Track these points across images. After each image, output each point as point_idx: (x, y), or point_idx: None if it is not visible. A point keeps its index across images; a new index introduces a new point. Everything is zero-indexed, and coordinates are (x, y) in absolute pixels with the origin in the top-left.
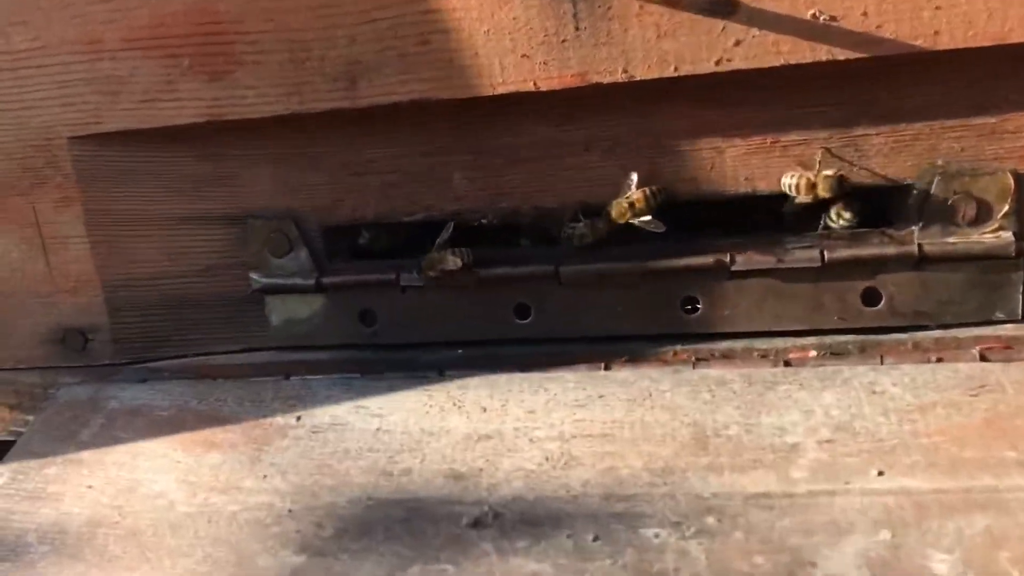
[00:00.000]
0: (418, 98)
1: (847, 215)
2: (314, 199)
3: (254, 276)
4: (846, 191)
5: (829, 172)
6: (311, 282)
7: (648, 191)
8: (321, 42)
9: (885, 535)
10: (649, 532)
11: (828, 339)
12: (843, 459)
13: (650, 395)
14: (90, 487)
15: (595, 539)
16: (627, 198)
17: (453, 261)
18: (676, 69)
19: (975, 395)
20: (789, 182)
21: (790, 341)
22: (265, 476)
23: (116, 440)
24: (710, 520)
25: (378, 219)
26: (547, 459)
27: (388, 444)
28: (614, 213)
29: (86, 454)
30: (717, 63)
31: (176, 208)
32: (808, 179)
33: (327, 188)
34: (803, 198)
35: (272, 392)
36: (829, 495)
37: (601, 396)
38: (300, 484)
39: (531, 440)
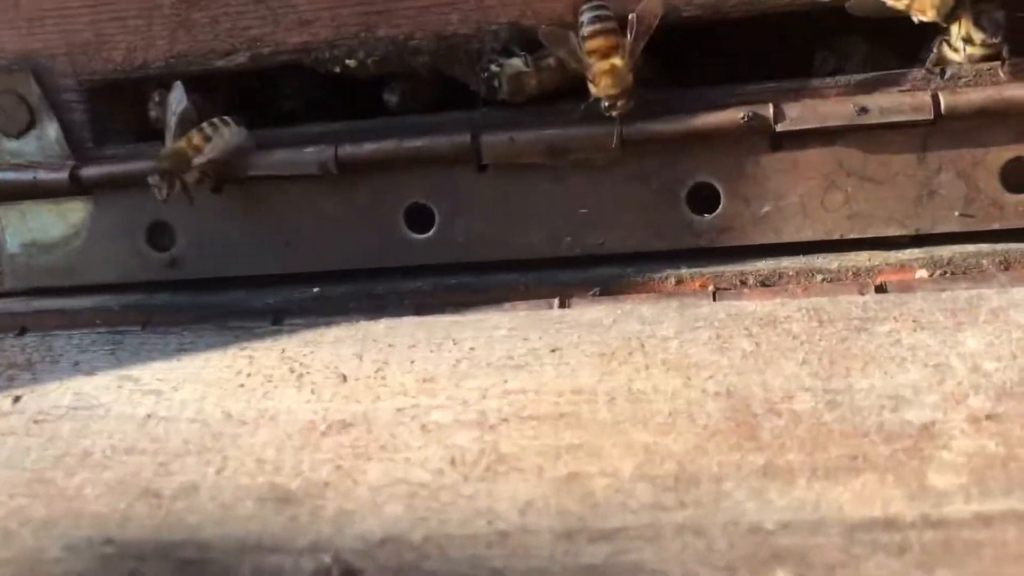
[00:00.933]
0: None
1: (978, 37)
2: (67, 34)
3: None
4: None
5: None
6: (64, 176)
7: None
8: None
9: None
10: None
11: (946, 250)
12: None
13: (642, 345)
14: None
15: None
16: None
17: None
18: None
19: None
20: None
21: (881, 255)
22: None
23: None
24: None
25: (169, 67)
26: (453, 462)
27: (163, 441)
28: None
29: None
30: None
31: None
32: None
33: (87, 14)
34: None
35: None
36: (1012, 519)
37: (554, 350)
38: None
39: (424, 428)
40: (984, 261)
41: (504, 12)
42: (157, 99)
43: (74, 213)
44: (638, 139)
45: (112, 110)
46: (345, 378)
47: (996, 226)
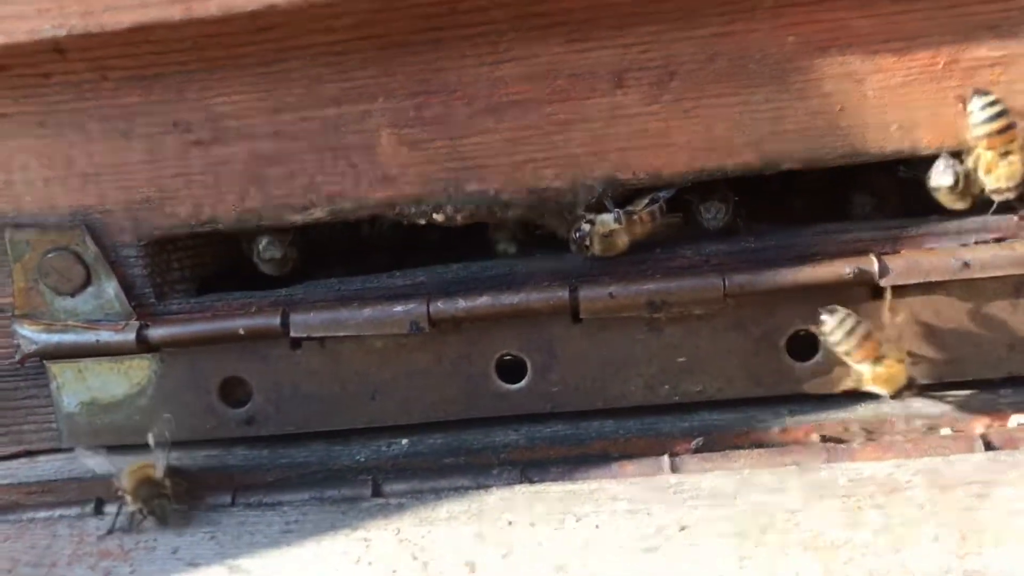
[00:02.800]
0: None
1: None
2: (125, 191)
3: (24, 330)
4: None
5: None
6: (130, 336)
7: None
8: None
9: None
10: None
11: None
12: None
13: (772, 521)
14: None
15: None
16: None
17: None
18: None
19: None
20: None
21: (978, 399)
22: None
23: None
24: None
25: (240, 221)
26: None
27: None
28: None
29: None
30: None
31: None
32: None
33: (147, 169)
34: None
35: (72, 543)
36: None
37: (683, 528)
38: None
39: None
40: None
41: (599, 166)
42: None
43: (138, 371)
44: (738, 292)
45: (173, 261)
46: (474, 567)
47: None
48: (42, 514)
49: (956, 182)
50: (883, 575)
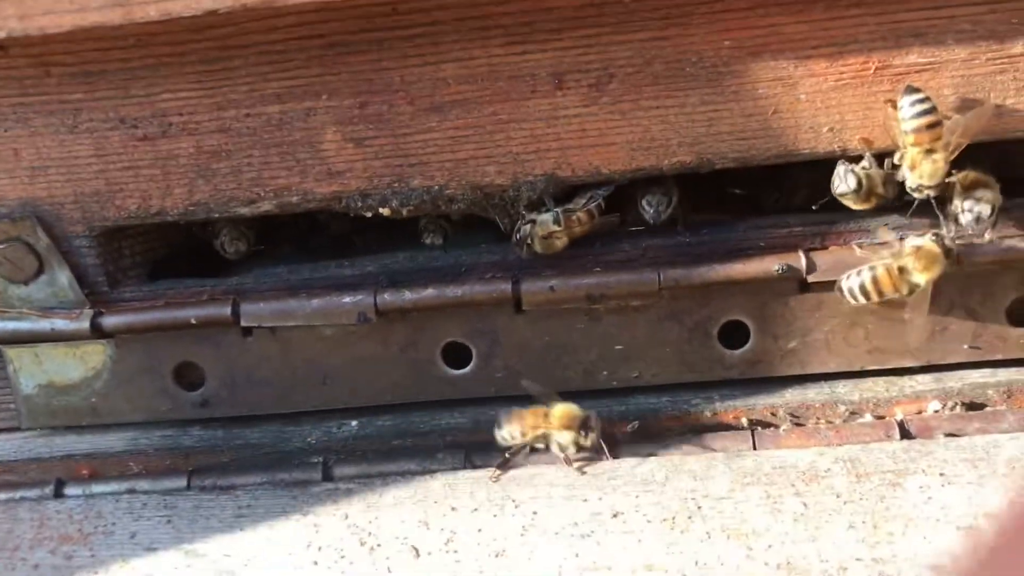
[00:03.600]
0: (247, 4)
1: (981, 207)
2: (75, 183)
3: None
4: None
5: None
6: (83, 324)
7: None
8: None
9: None
10: None
11: (954, 379)
12: None
13: (699, 507)
14: None
15: None
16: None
17: None
18: None
19: None
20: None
21: (893, 386)
22: None
23: None
24: None
25: (188, 214)
26: None
27: None
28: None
29: None
30: None
31: None
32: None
33: (96, 163)
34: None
35: (33, 526)
36: None
37: (616, 514)
38: None
39: None
40: (989, 391)
41: (540, 164)
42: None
43: (94, 356)
44: (673, 286)
45: (124, 249)
46: (418, 552)
47: (1006, 356)
48: (2, 496)
49: (859, 185)
50: (799, 562)
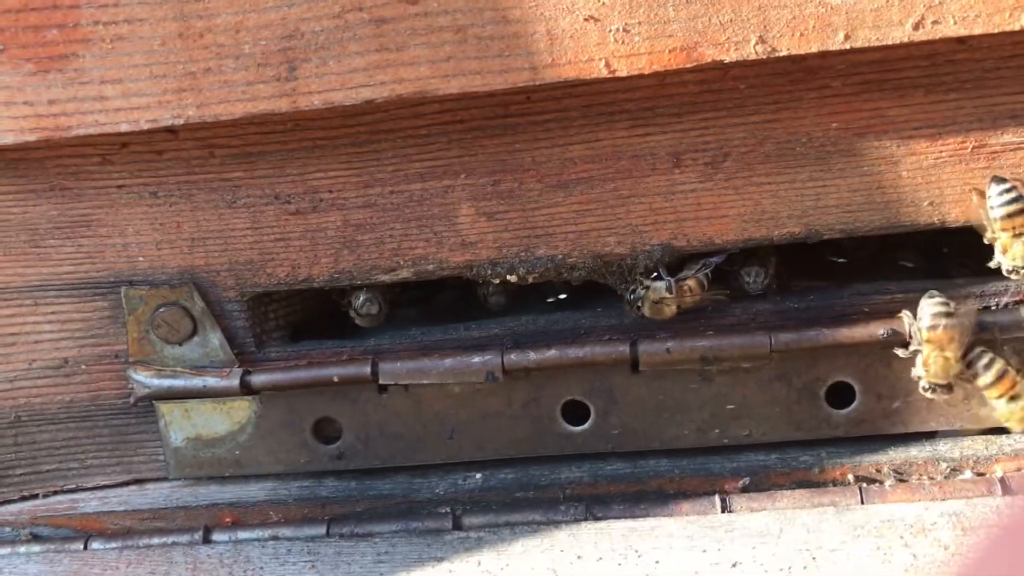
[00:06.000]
0: (406, 94)
1: None
2: (230, 253)
3: (137, 375)
4: None
5: None
6: (234, 382)
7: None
8: (235, 1)
9: None
10: None
11: None
12: None
13: (813, 558)
14: None
15: None
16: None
17: None
18: (848, 37)
19: None
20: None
21: (996, 444)
22: None
23: None
24: None
25: (333, 281)
26: None
27: None
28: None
29: None
30: (917, 26)
31: (5, 273)
32: None
33: (250, 235)
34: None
35: (188, 569)
36: None
37: (735, 564)
38: None
39: None
40: None
41: (656, 235)
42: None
43: (239, 411)
44: (784, 349)
45: (270, 312)
46: None
47: None
48: (156, 540)
49: None
50: None
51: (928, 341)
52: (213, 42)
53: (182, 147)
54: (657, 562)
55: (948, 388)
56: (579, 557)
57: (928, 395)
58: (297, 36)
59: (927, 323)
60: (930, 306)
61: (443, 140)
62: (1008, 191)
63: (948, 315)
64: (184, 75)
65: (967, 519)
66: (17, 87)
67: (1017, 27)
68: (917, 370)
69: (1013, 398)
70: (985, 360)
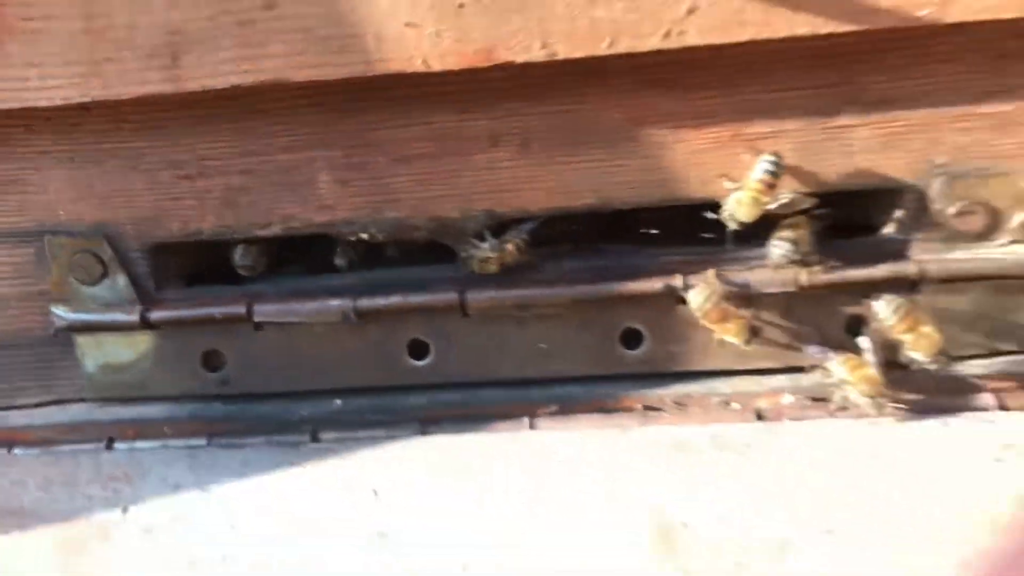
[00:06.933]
0: (265, 80)
1: (785, 244)
2: (133, 209)
3: (58, 310)
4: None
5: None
6: (134, 317)
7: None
8: (129, 5)
9: None
10: None
11: (806, 379)
12: (855, 553)
13: (595, 467)
14: None
15: None
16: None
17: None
18: (611, 44)
19: (1000, 460)
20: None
21: (758, 382)
22: None
23: None
24: None
25: (218, 234)
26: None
27: (249, 550)
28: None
29: None
30: (666, 36)
31: None
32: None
33: (149, 195)
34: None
35: (90, 469)
36: None
37: (534, 472)
38: None
39: (435, 547)
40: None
41: (482, 204)
42: (240, 252)
43: (141, 343)
44: (585, 297)
45: (168, 262)
46: (376, 493)
47: None
48: (68, 448)
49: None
50: (664, 504)
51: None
52: (113, 37)
53: (94, 121)
54: (473, 469)
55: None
56: (412, 462)
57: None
58: (180, 33)
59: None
60: None
61: (304, 119)
62: (773, 163)
63: None
64: (91, 62)
65: (722, 438)
66: None
67: (745, 38)
68: None
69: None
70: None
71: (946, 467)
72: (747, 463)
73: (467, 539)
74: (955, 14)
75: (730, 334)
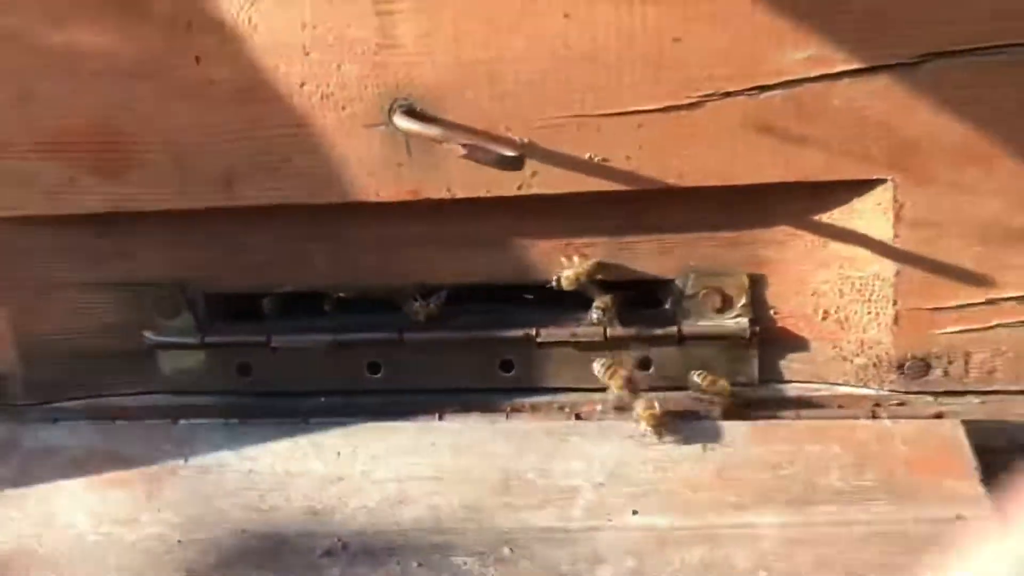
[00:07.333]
0: (282, 202)
1: (598, 311)
2: (198, 272)
3: (148, 334)
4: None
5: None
6: (195, 340)
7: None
8: (203, 154)
9: (631, 563)
10: (459, 560)
11: (611, 395)
12: (609, 500)
13: (471, 443)
14: (11, 519)
15: (419, 566)
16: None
17: None
18: (488, 191)
19: (713, 449)
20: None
21: (584, 396)
22: (159, 510)
23: (34, 478)
24: (505, 551)
25: (251, 290)
26: (385, 498)
27: (259, 484)
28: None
29: (8, 491)
30: (519, 188)
31: (81, 276)
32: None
33: (209, 265)
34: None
35: (164, 435)
36: (595, 530)
37: (433, 444)
38: (187, 517)
39: (373, 482)
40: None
41: (416, 276)
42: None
43: (198, 356)
44: (478, 338)
45: (218, 306)
46: (339, 454)
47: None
48: (150, 422)
49: None
50: (509, 465)
51: None
52: None
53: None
54: (402, 435)
55: None
56: (364, 434)
57: None
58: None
59: None
60: None
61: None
62: None
63: None
64: None
65: (554, 429)
66: None
67: (567, 191)
68: None
69: None
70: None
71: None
72: (567, 444)
73: (401, 474)
74: (687, 181)
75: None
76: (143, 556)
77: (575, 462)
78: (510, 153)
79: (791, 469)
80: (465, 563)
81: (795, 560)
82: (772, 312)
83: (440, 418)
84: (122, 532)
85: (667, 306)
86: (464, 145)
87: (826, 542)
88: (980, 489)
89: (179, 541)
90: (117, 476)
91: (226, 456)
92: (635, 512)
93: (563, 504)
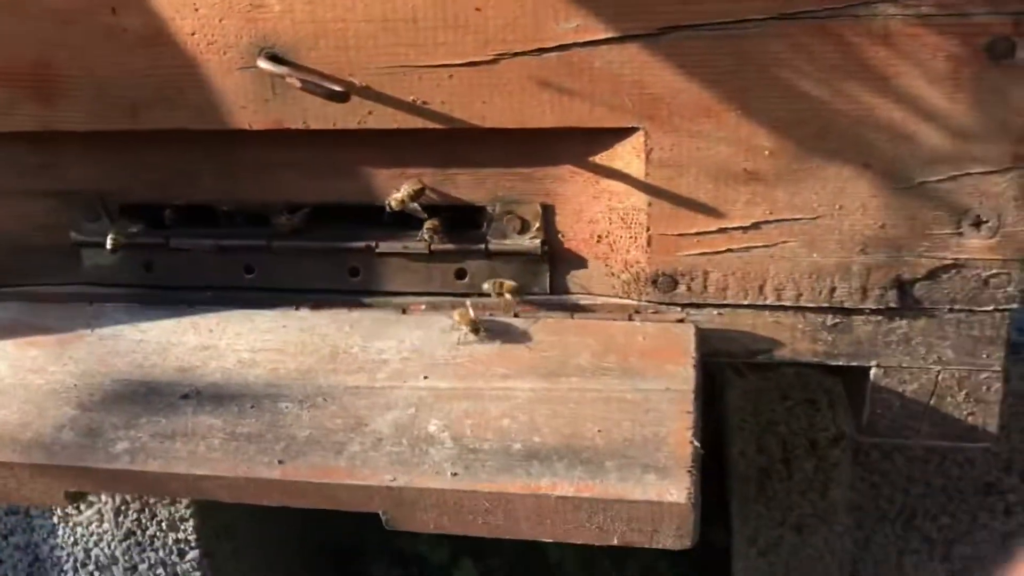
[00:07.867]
0: (176, 127)
1: (428, 231)
2: (113, 185)
3: (73, 234)
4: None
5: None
6: (110, 241)
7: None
8: (116, 86)
9: (411, 411)
10: (283, 404)
11: (435, 299)
12: (409, 368)
13: (314, 327)
14: None
15: (252, 407)
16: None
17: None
18: (335, 124)
19: (501, 337)
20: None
21: (412, 299)
22: (64, 364)
23: None
24: (320, 399)
25: (154, 201)
26: (239, 363)
27: (145, 349)
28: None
29: None
30: (359, 123)
31: (18, 185)
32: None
33: (122, 179)
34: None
35: (78, 313)
36: (391, 388)
37: (284, 327)
38: (85, 370)
39: (234, 351)
40: (444, 303)
41: (284, 195)
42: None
43: (113, 255)
44: (331, 248)
45: (131, 214)
46: (211, 331)
47: (451, 291)
48: (71, 305)
49: None
50: (341, 343)
51: None
52: None
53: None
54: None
55: None
56: (230, 320)
57: None
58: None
59: None
60: None
61: (196, 146)
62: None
63: None
64: None
65: (359, 321)
66: None
67: (406, 127)
68: None
69: None
70: None
71: None
72: (388, 330)
73: (256, 347)
74: (488, 124)
75: None
76: (46, 394)
77: (390, 342)
78: (336, 88)
79: (552, 352)
80: (288, 407)
81: (534, 413)
82: (560, 236)
83: (296, 309)
84: (33, 378)
85: (484, 229)
86: (301, 80)
87: (562, 402)
88: (691, 372)
89: (75, 384)
90: (36, 339)
91: (124, 329)
92: (425, 377)
93: (372, 370)
